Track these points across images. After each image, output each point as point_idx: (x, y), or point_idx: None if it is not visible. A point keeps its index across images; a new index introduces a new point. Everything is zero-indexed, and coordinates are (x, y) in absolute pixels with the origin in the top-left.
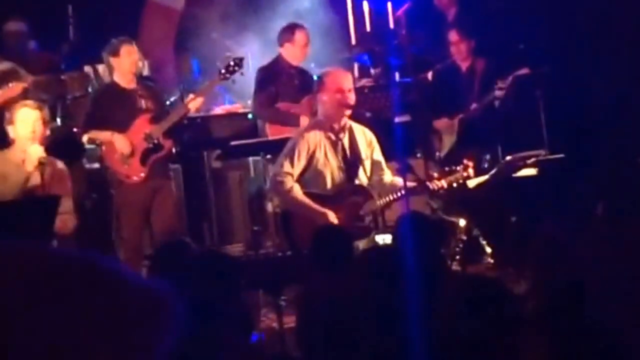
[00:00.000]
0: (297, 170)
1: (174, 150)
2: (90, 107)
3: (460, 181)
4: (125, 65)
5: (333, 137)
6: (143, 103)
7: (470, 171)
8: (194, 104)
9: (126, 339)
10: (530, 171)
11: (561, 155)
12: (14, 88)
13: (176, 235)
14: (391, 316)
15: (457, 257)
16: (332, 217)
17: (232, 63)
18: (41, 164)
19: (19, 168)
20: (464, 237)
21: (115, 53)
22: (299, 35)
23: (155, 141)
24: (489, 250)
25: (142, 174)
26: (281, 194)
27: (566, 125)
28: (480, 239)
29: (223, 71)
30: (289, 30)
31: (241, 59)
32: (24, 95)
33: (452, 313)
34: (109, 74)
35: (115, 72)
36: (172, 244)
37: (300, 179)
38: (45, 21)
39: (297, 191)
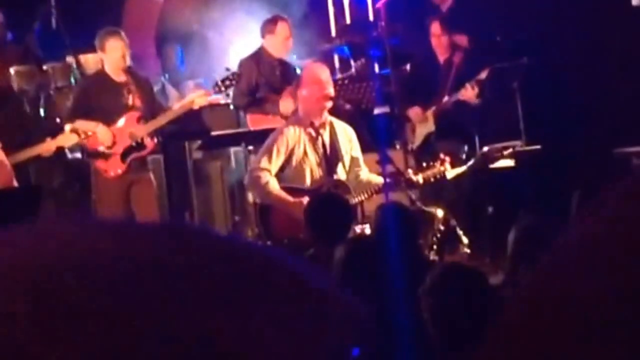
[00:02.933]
0: (275, 166)
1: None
2: (79, 96)
3: (438, 176)
4: (113, 61)
5: (313, 133)
6: (131, 99)
7: (447, 166)
8: (200, 100)
9: (322, 349)
10: (507, 162)
11: (538, 147)
12: None
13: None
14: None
15: (435, 247)
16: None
17: (230, 77)
18: None
19: None
20: (442, 228)
21: (102, 48)
22: (280, 27)
23: (139, 140)
24: (465, 240)
25: (120, 170)
26: (258, 189)
27: (543, 116)
28: (457, 229)
29: (219, 84)
30: (271, 21)
31: (239, 75)
32: None
33: (430, 301)
34: (94, 65)
35: (105, 63)
36: None
37: (279, 175)
38: (27, 11)
39: (274, 185)
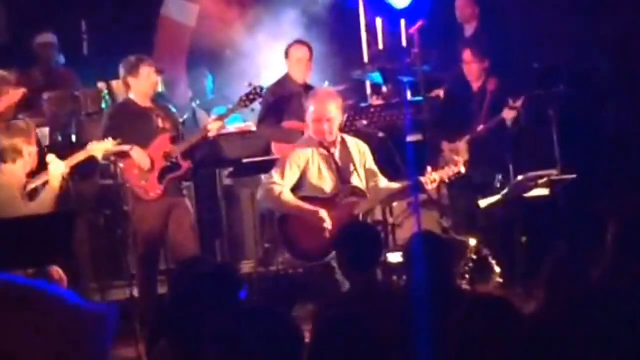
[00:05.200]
0: (288, 181)
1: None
2: (108, 123)
3: (451, 175)
4: (143, 87)
5: (325, 152)
6: (160, 122)
7: (462, 167)
8: (213, 126)
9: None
10: (542, 191)
11: (573, 176)
12: (15, 94)
13: (194, 250)
14: (404, 335)
15: (467, 276)
16: (324, 215)
17: (253, 91)
18: (64, 179)
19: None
20: (474, 257)
21: (135, 73)
22: (293, 51)
23: (174, 160)
24: (498, 270)
25: (159, 191)
26: (272, 199)
27: (579, 145)
28: (490, 258)
29: (244, 98)
30: (289, 46)
31: (262, 88)
32: (23, 101)
33: (462, 331)
34: (124, 91)
35: (132, 90)
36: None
37: (297, 193)
38: (59, 37)
39: (287, 194)
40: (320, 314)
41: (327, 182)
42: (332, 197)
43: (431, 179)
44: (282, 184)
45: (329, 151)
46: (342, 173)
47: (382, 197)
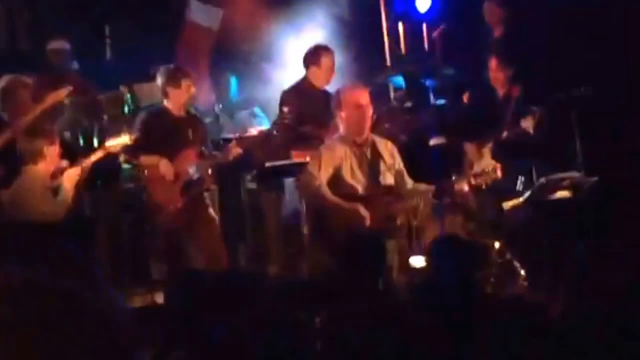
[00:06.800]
0: (323, 176)
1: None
2: (140, 128)
3: (489, 182)
4: (182, 99)
5: (357, 151)
6: (190, 134)
7: (499, 172)
8: (237, 151)
9: None
10: (565, 193)
11: (595, 178)
12: (60, 92)
13: (225, 253)
14: (424, 339)
15: (491, 279)
16: (364, 211)
17: (284, 120)
18: (77, 186)
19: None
20: (499, 260)
21: (176, 84)
22: (325, 59)
23: (198, 175)
24: (522, 272)
25: (179, 204)
26: (312, 190)
27: (602, 147)
28: (514, 261)
29: (277, 123)
30: (316, 52)
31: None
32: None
33: (487, 334)
34: (149, 95)
35: (169, 99)
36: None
37: (330, 190)
38: (83, 41)
39: (326, 188)
40: (332, 321)
41: (359, 181)
42: (367, 195)
43: (462, 189)
44: (319, 177)
45: (361, 150)
46: (373, 172)
47: (413, 197)
